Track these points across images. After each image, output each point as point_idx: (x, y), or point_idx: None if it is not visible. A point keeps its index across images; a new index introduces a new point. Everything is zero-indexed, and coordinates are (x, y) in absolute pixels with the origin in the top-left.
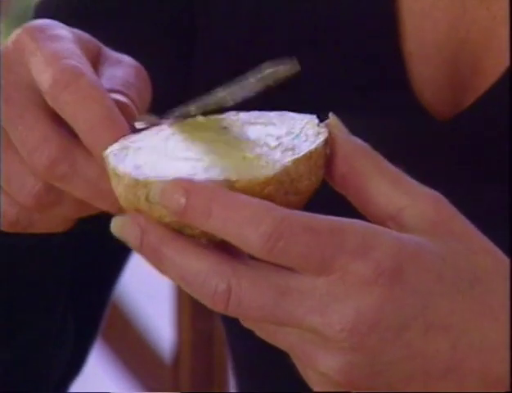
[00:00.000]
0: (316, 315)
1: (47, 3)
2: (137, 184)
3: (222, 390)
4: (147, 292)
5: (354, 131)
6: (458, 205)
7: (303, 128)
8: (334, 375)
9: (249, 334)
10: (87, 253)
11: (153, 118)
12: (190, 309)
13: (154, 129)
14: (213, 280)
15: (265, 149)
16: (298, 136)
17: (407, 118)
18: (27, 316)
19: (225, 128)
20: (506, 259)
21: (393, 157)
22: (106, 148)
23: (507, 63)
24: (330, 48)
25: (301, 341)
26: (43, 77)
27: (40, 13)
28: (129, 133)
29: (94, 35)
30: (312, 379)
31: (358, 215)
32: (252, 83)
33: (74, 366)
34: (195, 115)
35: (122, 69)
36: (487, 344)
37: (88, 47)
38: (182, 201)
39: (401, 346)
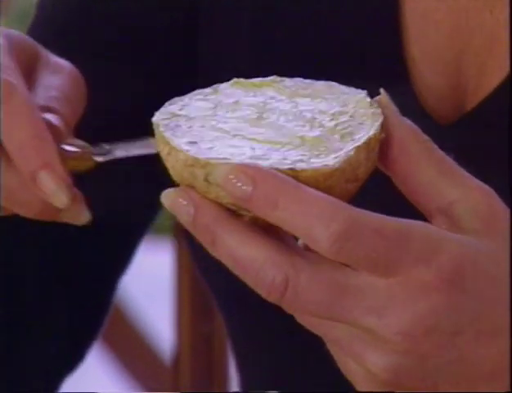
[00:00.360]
0: (373, 316)
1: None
2: (197, 163)
3: (222, 391)
4: (147, 293)
5: None
6: None
7: (355, 106)
8: (382, 373)
9: (251, 335)
10: (88, 250)
11: (81, 142)
12: (190, 311)
13: (200, 92)
14: (271, 270)
15: (322, 130)
16: (352, 117)
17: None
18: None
19: (273, 98)
20: None
21: None
22: (34, 168)
23: (510, 67)
24: (333, 54)
25: (350, 337)
26: None
27: (41, 10)
28: (56, 155)
29: (93, 36)
30: (355, 374)
31: (405, 201)
32: None
33: (69, 361)
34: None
35: (59, 77)
36: None
37: (25, 52)
38: (249, 189)
39: (453, 350)
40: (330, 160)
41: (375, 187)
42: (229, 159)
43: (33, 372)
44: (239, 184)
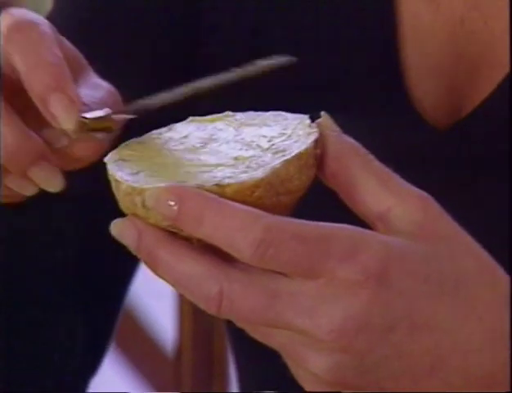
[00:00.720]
0: (305, 317)
1: (59, 12)
2: (134, 191)
3: (223, 385)
4: (150, 290)
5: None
6: (457, 214)
7: (295, 128)
8: (324, 375)
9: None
10: (100, 259)
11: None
12: (192, 307)
13: (157, 132)
14: (206, 284)
15: (257, 151)
16: (289, 137)
17: (407, 128)
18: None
19: (220, 129)
20: (491, 262)
21: (393, 167)
22: (47, 89)
23: (504, 73)
24: (330, 61)
25: (292, 342)
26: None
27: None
28: (70, 80)
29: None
30: (303, 379)
31: (351, 213)
32: (233, 75)
33: (88, 369)
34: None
35: (99, 92)
36: (472, 343)
37: (74, 59)
38: (175, 207)
39: (388, 347)
40: (257, 174)
41: (320, 199)
42: (160, 183)
43: (59, 375)
44: (168, 204)
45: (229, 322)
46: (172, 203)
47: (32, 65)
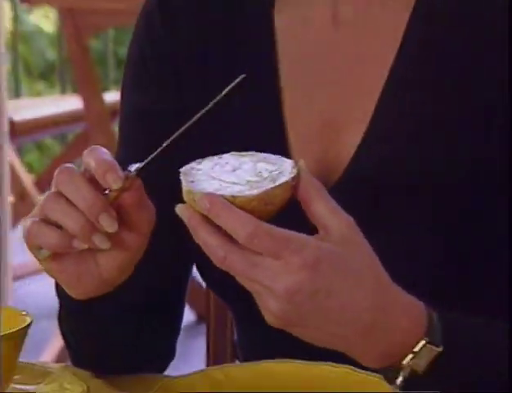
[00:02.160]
0: (270, 280)
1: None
2: (189, 192)
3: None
4: None
5: None
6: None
7: (285, 167)
8: (277, 314)
9: (255, 324)
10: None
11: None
12: None
13: (210, 157)
14: (217, 250)
15: (260, 178)
16: (281, 172)
17: None
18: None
19: (245, 162)
20: (377, 262)
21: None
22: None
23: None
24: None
25: (261, 291)
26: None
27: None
28: (116, 168)
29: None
30: (265, 315)
31: (309, 222)
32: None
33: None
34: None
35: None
36: (360, 305)
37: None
38: (208, 206)
39: (313, 303)
40: (254, 192)
41: (292, 211)
42: (203, 190)
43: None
44: (204, 203)
45: (237, 318)
46: (206, 202)
47: (95, 166)
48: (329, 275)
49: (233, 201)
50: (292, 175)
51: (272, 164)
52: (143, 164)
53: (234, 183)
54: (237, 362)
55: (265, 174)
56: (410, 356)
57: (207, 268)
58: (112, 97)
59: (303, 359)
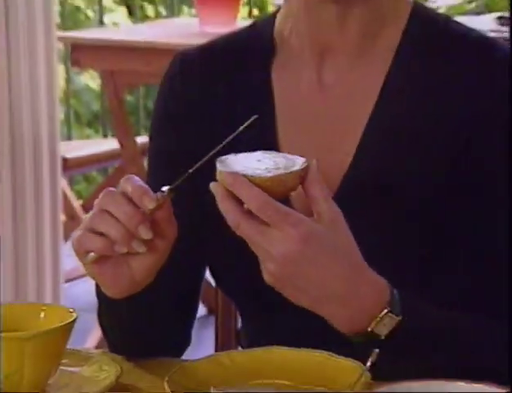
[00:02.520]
0: (270, 245)
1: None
2: (221, 173)
3: None
4: None
5: None
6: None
7: (297, 161)
8: (272, 274)
9: (256, 317)
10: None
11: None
12: None
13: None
14: (235, 219)
15: (277, 166)
16: (293, 165)
17: None
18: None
19: (267, 157)
20: (353, 243)
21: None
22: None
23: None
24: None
25: (262, 253)
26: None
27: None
28: (150, 195)
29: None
30: (264, 274)
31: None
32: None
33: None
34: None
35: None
36: (335, 273)
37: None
38: (231, 181)
39: (301, 270)
40: (269, 174)
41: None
42: (229, 170)
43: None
44: (228, 180)
45: (242, 310)
46: (230, 179)
47: (133, 190)
48: (316, 250)
49: (252, 180)
50: (302, 167)
51: (289, 160)
52: (170, 188)
53: (256, 169)
54: (240, 348)
55: (281, 165)
56: (375, 322)
57: (219, 271)
58: (142, 139)
59: (296, 346)
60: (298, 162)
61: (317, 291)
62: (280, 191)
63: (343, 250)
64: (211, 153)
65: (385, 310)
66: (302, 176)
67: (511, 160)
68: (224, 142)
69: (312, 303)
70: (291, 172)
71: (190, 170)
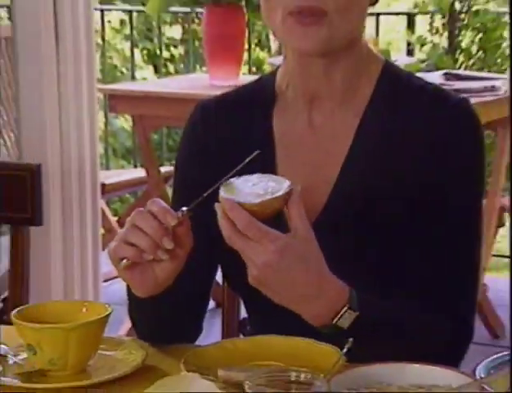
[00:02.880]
0: (254, 255)
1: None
2: (221, 198)
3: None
4: None
5: None
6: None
7: (283, 186)
8: (255, 278)
9: (265, 314)
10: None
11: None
12: None
13: (243, 178)
14: (228, 232)
15: (266, 192)
16: (280, 188)
17: None
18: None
19: (262, 180)
20: (321, 255)
21: None
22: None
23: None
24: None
25: (248, 261)
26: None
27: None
28: (171, 215)
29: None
30: (249, 277)
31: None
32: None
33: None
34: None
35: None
36: (305, 280)
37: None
38: (227, 206)
39: (277, 276)
40: (257, 200)
41: (278, 220)
42: (227, 198)
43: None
44: (227, 205)
45: (250, 309)
46: (226, 204)
47: (157, 210)
48: (289, 260)
49: (242, 205)
50: (286, 192)
51: (277, 183)
52: (188, 208)
53: (249, 194)
54: (241, 336)
55: (270, 190)
56: (337, 317)
57: (230, 271)
58: (164, 169)
59: (288, 334)
60: (284, 186)
61: (291, 293)
62: (266, 212)
63: (311, 261)
64: (221, 181)
65: (345, 307)
66: (286, 198)
67: None
68: (231, 173)
69: (287, 302)
70: (275, 197)
71: (204, 194)
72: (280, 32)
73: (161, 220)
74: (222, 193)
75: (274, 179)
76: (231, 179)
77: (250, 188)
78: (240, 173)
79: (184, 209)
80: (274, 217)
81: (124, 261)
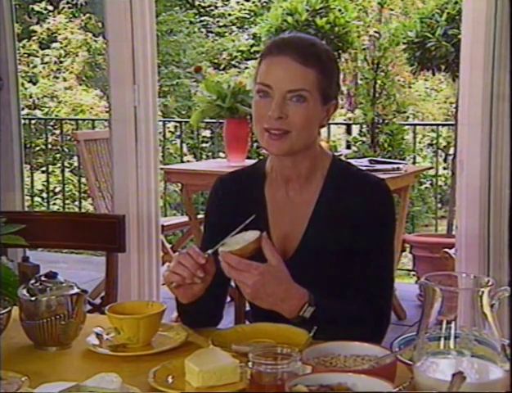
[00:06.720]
0: (245, 280)
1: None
2: (220, 251)
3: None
4: None
5: None
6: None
7: (255, 236)
8: (248, 294)
9: (260, 310)
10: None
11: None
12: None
13: (239, 235)
14: (226, 269)
15: (244, 240)
16: (253, 236)
17: None
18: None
19: (241, 236)
20: (289, 276)
21: None
22: (201, 260)
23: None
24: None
25: (242, 284)
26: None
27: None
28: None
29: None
30: (243, 293)
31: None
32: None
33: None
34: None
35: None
36: (279, 291)
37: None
38: (222, 256)
39: (262, 291)
40: (238, 246)
41: (258, 255)
42: (221, 249)
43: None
44: (222, 255)
45: (254, 310)
46: (222, 255)
47: (192, 253)
48: (269, 279)
49: (231, 251)
50: (255, 239)
51: (254, 233)
52: (213, 250)
53: (236, 243)
54: (247, 323)
55: (246, 239)
56: (302, 312)
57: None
58: (200, 216)
59: (274, 322)
60: (255, 235)
61: (272, 299)
62: (247, 253)
63: (282, 278)
64: (231, 234)
65: (306, 305)
66: (259, 241)
67: None
68: (238, 229)
69: (270, 305)
70: (249, 243)
71: (222, 242)
72: (260, 139)
73: (195, 259)
74: (220, 249)
75: (254, 233)
76: (225, 239)
77: (236, 241)
78: (243, 228)
79: (209, 251)
80: (256, 254)
81: (174, 284)
